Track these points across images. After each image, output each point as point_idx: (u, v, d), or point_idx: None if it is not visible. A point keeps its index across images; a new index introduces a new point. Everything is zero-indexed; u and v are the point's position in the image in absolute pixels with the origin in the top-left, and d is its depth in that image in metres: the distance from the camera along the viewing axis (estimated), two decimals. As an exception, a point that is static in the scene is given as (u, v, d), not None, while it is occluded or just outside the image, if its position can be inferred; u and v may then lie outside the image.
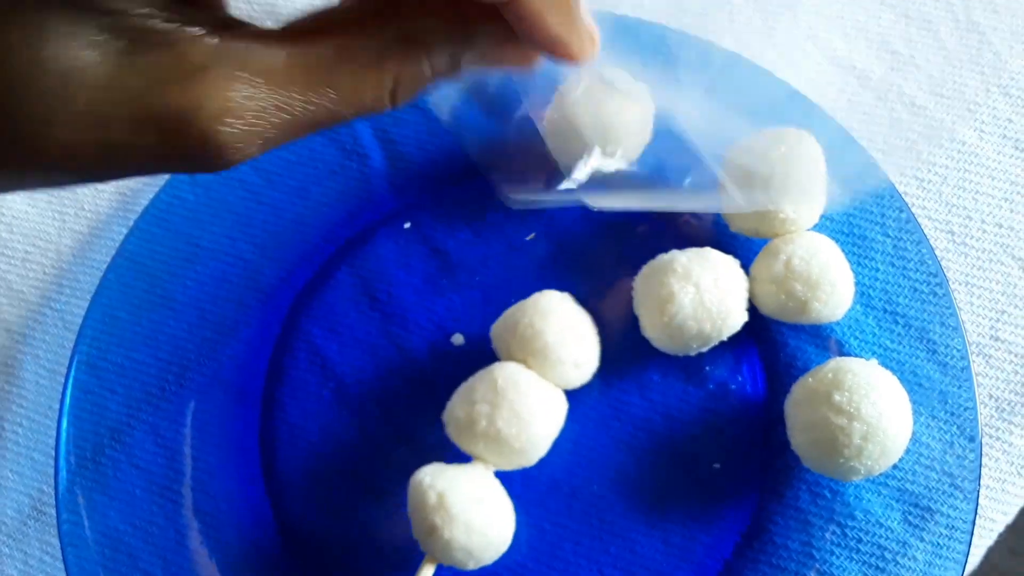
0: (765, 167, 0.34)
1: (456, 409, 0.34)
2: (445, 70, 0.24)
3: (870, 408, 0.32)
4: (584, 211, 0.38)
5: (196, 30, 0.21)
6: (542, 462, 0.36)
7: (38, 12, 0.19)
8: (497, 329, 0.36)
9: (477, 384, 0.34)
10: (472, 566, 0.33)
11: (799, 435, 0.33)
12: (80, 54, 0.20)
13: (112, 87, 0.20)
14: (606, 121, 0.35)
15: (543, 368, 0.34)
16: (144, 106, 0.20)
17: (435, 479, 0.32)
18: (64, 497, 0.37)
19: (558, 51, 0.25)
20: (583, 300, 0.36)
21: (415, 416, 0.38)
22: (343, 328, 0.39)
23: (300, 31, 0.22)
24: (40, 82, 0.20)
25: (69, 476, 0.37)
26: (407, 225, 0.40)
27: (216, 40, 0.21)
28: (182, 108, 0.20)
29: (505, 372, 0.34)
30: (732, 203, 0.34)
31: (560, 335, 0.34)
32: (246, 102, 0.21)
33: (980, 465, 0.34)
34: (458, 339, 0.38)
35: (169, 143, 0.21)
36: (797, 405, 0.34)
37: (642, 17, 0.41)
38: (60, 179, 0.22)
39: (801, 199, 0.34)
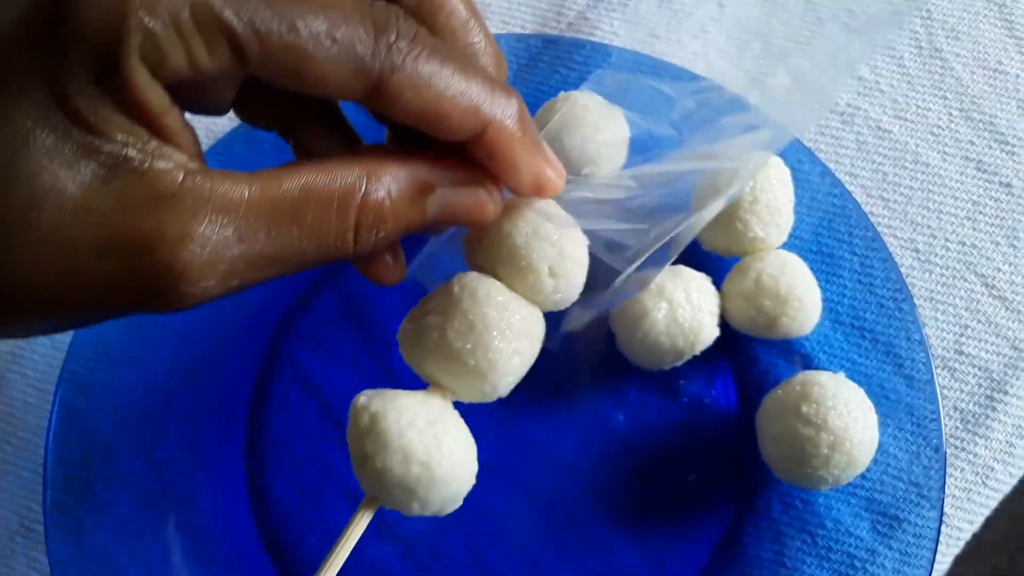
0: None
1: (406, 322, 0.30)
2: (406, 213, 0.24)
3: (836, 419, 0.33)
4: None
5: (169, 162, 0.21)
6: (521, 473, 0.37)
7: (30, 121, 0.20)
8: (467, 238, 0.31)
9: (434, 294, 0.30)
10: (417, 509, 0.28)
11: (769, 446, 0.35)
12: (57, 172, 0.20)
13: (79, 209, 0.20)
14: (583, 144, 0.37)
15: (512, 278, 0.30)
16: (108, 230, 0.20)
17: (372, 400, 0.28)
18: (51, 514, 0.38)
19: (525, 187, 0.26)
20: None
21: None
22: (327, 347, 0.40)
23: (267, 172, 0.23)
24: (9, 198, 0.20)
25: (56, 493, 0.38)
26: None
27: (185, 172, 0.21)
28: (145, 234, 0.21)
29: (464, 280, 0.29)
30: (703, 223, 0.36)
31: (528, 238, 0.29)
32: (208, 232, 0.21)
33: (944, 475, 0.35)
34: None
35: (130, 270, 0.21)
36: (767, 417, 0.35)
37: (617, 44, 0.42)
38: (15, 315, 0.22)
39: (769, 219, 0.36)
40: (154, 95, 0.21)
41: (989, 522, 0.38)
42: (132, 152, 0.21)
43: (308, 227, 0.23)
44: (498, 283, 0.29)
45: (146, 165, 0.21)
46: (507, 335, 0.28)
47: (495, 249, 0.29)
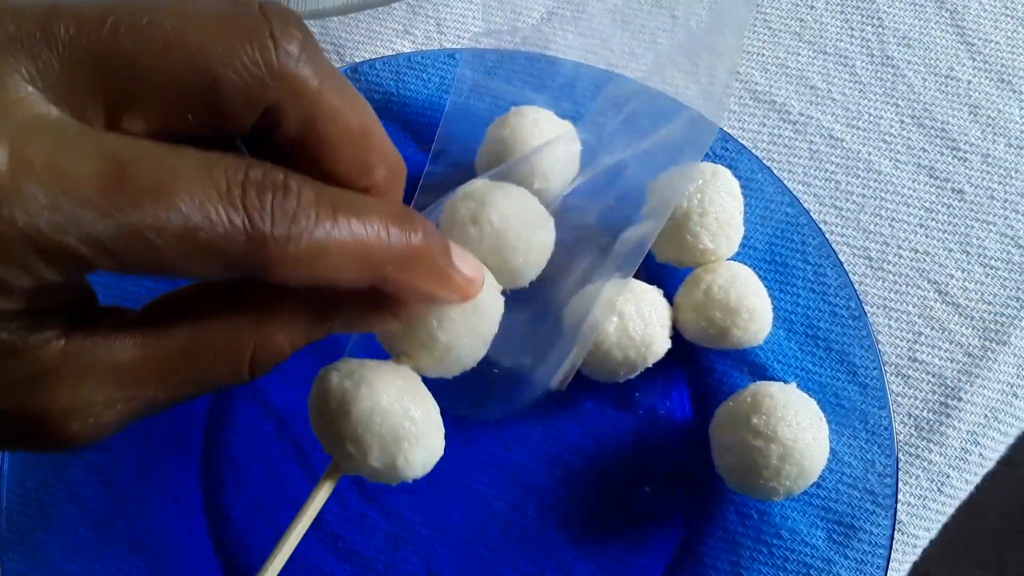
0: (683, 201, 0.35)
1: None
2: (306, 339, 0.24)
3: (786, 430, 0.33)
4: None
5: (45, 335, 0.20)
6: (478, 488, 0.37)
7: None
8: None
9: None
10: (382, 471, 0.28)
11: (722, 457, 0.35)
12: None
13: None
14: (534, 158, 0.37)
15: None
16: None
17: (341, 365, 0.28)
18: (6, 535, 0.37)
19: (440, 302, 0.26)
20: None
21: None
22: (283, 365, 0.40)
23: (154, 318, 0.22)
24: None
25: (12, 515, 0.38)
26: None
27: (64, 342, 0.20)
28: (30, 410, 0.20)
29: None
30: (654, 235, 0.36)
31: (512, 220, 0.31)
32: (95, 398, 0.21)
33: (897, 482, 0.35)
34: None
35: (19, 433, 0.21)
36: (720, 428, 0.35)
37: (571, 57, 0.42)
38: None
39: (719, 231, 0.36)
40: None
41: (978, 518, 0.38)
42: (4, 335, 0.20)
43: (198, 375, 0.22)
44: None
45: (19, 344, 0.20)
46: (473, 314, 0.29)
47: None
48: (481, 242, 0.31)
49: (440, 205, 0.33)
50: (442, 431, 0.29)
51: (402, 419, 0.27)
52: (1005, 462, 0.39)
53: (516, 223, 0.31)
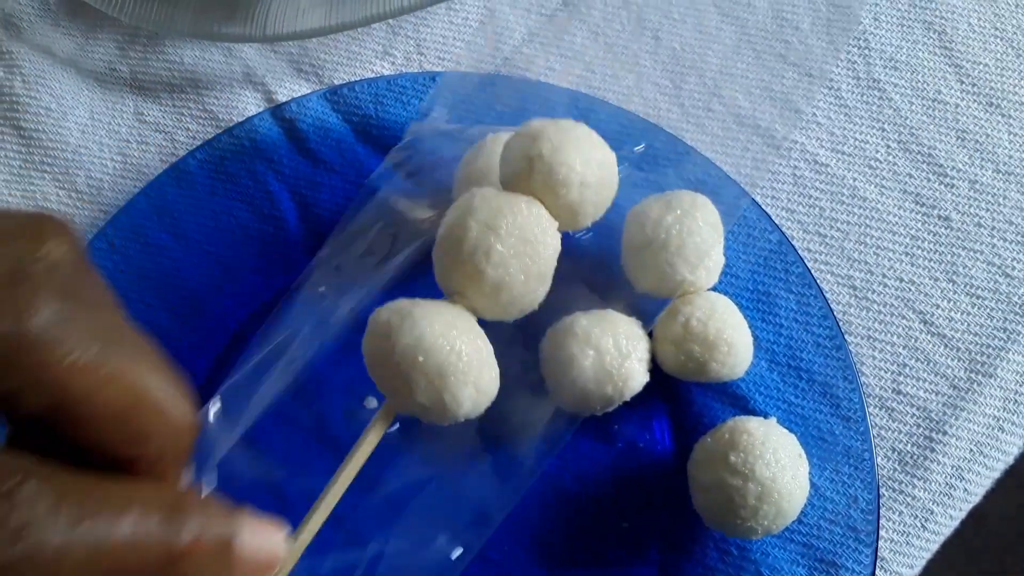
0: (661, 231, 0.35)
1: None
2: None
3: (764, 469, 0.32)
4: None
5: None
6: (452, 522, 0.36)
7: None
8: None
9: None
10: (431, 408, 0.27)
11: (699, 495, 0.34)
12: None
13: None
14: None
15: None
16: None
17: (399, 304, 0.28)
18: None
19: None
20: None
21: (327, 478, 0.38)
22: (259, 393, 0.39)
23: None
24: None
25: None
26: (321, 289, 0.40)
27: None
28: None
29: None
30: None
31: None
32: None
33: (878, 519, 0.35)
34: (371, 402, 0.39)
35: None
36: (697, 465, 0.34)
37: (552, 79, 0.41)
38: None
39: (697, 262, 0.35)
40: None
41: (980, 525, 0.37)
42: None
43: None
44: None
45: None
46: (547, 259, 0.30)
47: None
48: (532, 178, 0.31)
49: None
50: (496, 371, 0.29)
51: (448, 354, 0.27)
52: (1007, 471, 0.38)
53: (572, 157, 0.31)
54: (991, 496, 0.38)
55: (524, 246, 0.29)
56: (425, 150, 0.40)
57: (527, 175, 0.31)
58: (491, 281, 0.29)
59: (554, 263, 0.31)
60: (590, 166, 0.32)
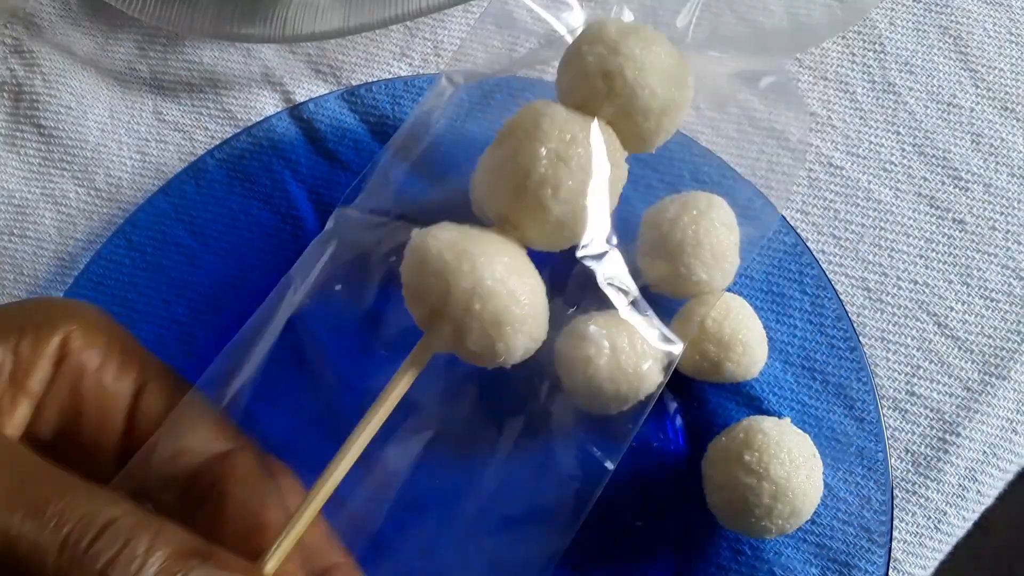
0: (677, 232, 0.35)
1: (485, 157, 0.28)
2: None
3: (779, 468, 0.32)
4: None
5: None
6: (468, 522, 0.36)
7: None
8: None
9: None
10: (479, 354, 0.26)
11: (714, 494, 0.34)
12: None
13: None
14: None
15: None
16: None
17: (436, 235, 0.26)
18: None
19: None
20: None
21: (346, 479, 0.38)
22: (274, 391, 0.40)
23: None
24: None
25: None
26: (338, 287, 0.41)
27: None
28: None
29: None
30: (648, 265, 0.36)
31: None
32: None
33: (891, 519, 0.35)
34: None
35: None
36: (712, 464, 0.34)
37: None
38: None
39: (713, 263, 0.35)
40: None
41: (987, 533, 0.38)
42: None
43: None
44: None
45: None
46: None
47: None
48: (610, 100, 0.27)
49: None
50: (547, 314, 0.27)
51: (508, 302, 0.25)
52: (1018, 475, 0.38)
53: (655, 81, 0.27)
54: (998, 503, 0.38)
55: (594, 179, 0.26)
56: (442, 151, 0.41)
57: (602, 96, 0.27)
58: (555, 218, 0.26)
59: (618, 196, 0.28)
60: (670, 89, 0.28)
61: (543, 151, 0.26)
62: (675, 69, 0.29)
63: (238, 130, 0.43)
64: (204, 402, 0.29)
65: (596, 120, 0.27)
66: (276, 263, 0.42)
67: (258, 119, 0.43)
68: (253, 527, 0.27)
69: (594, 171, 0.26)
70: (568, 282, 0.39)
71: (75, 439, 0.27)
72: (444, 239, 0.26)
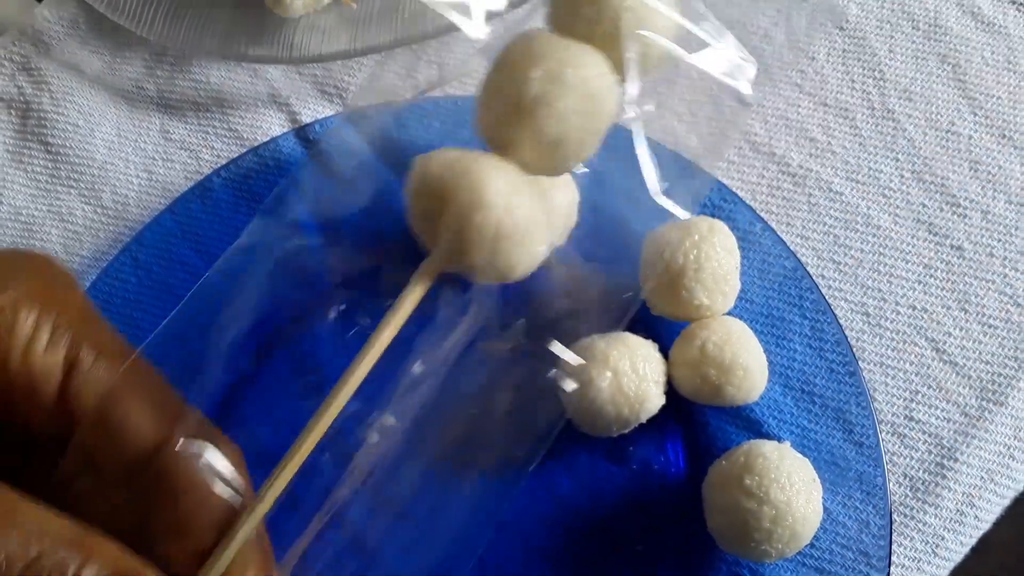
0: (679, 256, 0.35)
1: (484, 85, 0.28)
2: None
3: (779, 492, 0.33)
4: (515, 296, 0.39)
5: None
6: (468, 542, 0.36)
7: None
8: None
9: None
10: (485, 268, 0.26)
11: (714, 517, 0.34)
12: None
13: None
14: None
15: None
16: None
17: (436, 156, 0.26)
18: None
19: None
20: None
21: (335, 482, 0.38)
22: (277, 410, 0.40)
23: None
24: None
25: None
26: (342, 306, 0.41)
27: None
28: None
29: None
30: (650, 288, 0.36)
31: None
32: None
33: (890, 545, 0.35)
34: (389, 420, 0.39)
35: None
36: (712, 488, 0.35)
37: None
38: None
39: (714, 287, 0.36)
40: None
41: (983, 553, 0.38)
42: None
43: None
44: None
45: None
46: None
47: None
48: (600, 27, 0.27)
49: None
50: (546, 231, 0.27)
51: (505, 215, 0.26)
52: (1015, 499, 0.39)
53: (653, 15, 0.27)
54: (996, 526, 0.38)
55: (588, 102, 0.26)
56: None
57: (594, 23, 0.28)
58: (551, 137, 0.26)
59: (613, 119, 0.28)
60: (668, 22, 0.28)
61: (537, 73, 0.27)
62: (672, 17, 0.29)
63: (244, 150, 0.43)
64: (146, 376, 0.28)
65: (587, 47, 0.28)
66: (279, 281, 0.42)
67: (264, 139, 0.44)
68: (191, 528, 0.26)
69: (589, 93, 0.27)
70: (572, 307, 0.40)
71: (8, 414, 0.25)
72: (444, 158, 0.26)
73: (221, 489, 0.27)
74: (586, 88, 0.27)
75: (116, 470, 0.25)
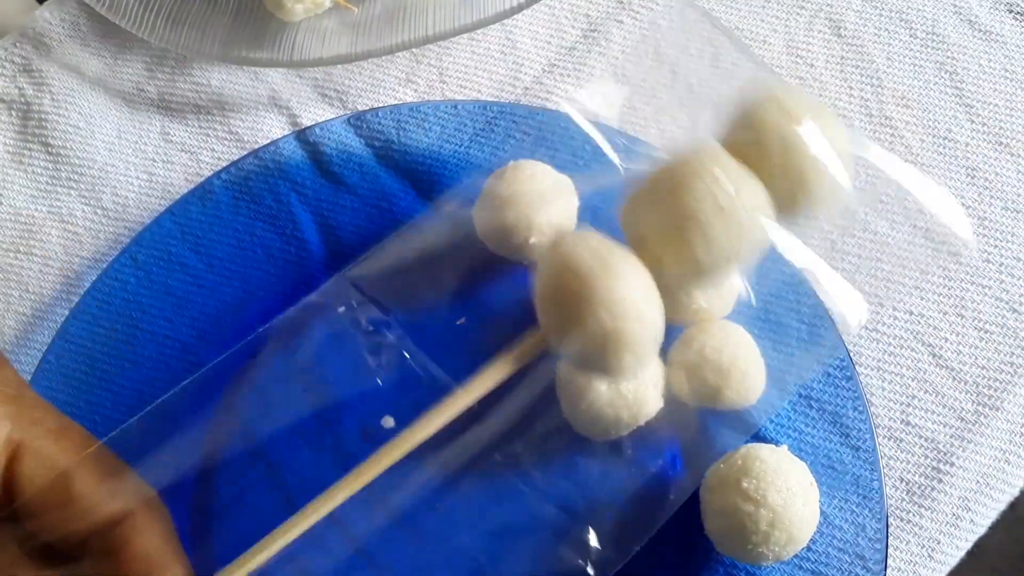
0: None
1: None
2: None
3: (776, 496, 0.33)
4: (515, 298, 0.39)
5: None
6: (464, 542, 0.36)
7: None
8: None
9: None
10: (590, 363, 0.27)
11: (711, 520, 0.35)
12: None
13: None
14: (530, 213, 0.37)
15: None
16: None
17: (588, 240, 0.27)
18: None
19: None
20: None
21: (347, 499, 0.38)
22: (276, 410, 0.40)
23: None
24: None
25: None
26: (341, 309, 0.41)
27: None
28: None
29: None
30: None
31: None
32: None
33: (886, 548, 0.35)
34: (388, 422, 0.39)
35: None
36: (710, 491, 0.35)
37: (570, 110, 0.42)
38: None
39: (713, 291, 0.36)
40: None
41: (978, 558, 0.38)
42: None
43: None
44: None
45: None
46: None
47: None
48: (780, 168, 0.28)
49: None
50: (659, 344, 0.28)
51: (635, 324, 0.26)
52: (1010, 504, 0.39)
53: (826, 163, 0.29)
54: (991, 530, 0.38)
55: (742, 233, 0.27)
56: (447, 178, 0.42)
57: (773, 160, 0.28)
58: (694, 261, 0.27)
59: (757, 253, 0.29)
60: (841, 173, 0.29)
61: (708, 199, 0.27)
62: (844, 157, 0.30)
63: (245, 152, 0.44)
64: (103, 459, 0.30)
65: (760, 182, 0.28)
66: (280, 284, 0.42)
67: (265, 142, 0.44)
68: None
69: (744, 224, 0.27)
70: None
71: None
72: (591, 246, 0.27)
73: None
74: (744, 221, 0.27)
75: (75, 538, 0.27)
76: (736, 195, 0.27)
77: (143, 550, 0.27)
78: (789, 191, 0.29)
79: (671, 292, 0.35)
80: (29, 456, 0.27)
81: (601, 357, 0.27)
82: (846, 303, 0.33)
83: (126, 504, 0.28)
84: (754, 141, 0.29)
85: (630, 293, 0.26)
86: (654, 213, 0.28)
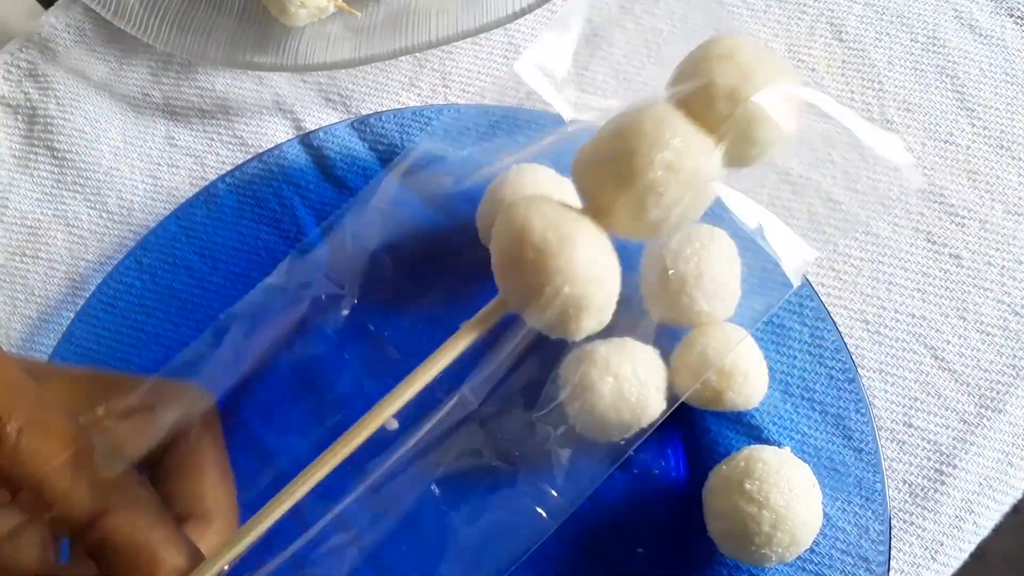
0: (680, 264, 0.36)
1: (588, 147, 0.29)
2: None
3: (779, 497, 0.33)
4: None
5: None
6: (468, 544, 0.36)
7: None
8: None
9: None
10: (552, 325, 0.27)
11: (714, 522, 0.35)
12: None
13: None
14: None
15: None
16: None
17: (551, 218, 0.27)
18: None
19: None
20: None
21: (353, 501, 0.39)
22: (280, 414, 0.40)
23: None
24: None
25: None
26: (345, 312, 0.41)
27: None
28: None
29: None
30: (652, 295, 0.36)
31: None
32: None
33: (889, 550, 0.35)
34: (392, 424, 0.39)
35: None
36: (712, 492, 0.35)
37: (573, 114, 0.42)
38: None
39: (714, 294, 0.36)
40: None
41: (983, 562, 0.38)
42: None
43: None
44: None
45: None
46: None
47: None
48: (726, 121, 0.28)
49: None
50: (616, 299, 0.28)
51: (593, 289, 0.27)
52: (1012, 507, 0.39)
53: (781, 116, 0.29)
54: (994, 534, 0.38)
55: (694, 191, 0.27)
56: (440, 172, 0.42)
57: (723, 117, 0.28)
58: (651, 220, 0.27)
59: (709, 203, 0.29)
60: (788, 121, 0.29)
61: (658, 158, 0.27)
62: (795, 103, 0.30)
63: (249, 156, 0.44)
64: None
65: (709, 138, 0.28)
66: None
67: (269, 146, 0.44)
68: None
69: (697, 184, 0.28)
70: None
71: None
72: (548, 218, 0.27)
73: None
74: (696, 180, 0.27)
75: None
76: (685, 152, 0.27)
77: (129, 540, 0.27)
78: (738, 142, 0.29)
79: (673, 295, 0.36)
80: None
81: (562, 323, 0.28)
82: (791, 250, 0.33)
83: (105, 500, 0.27)
84: (704, 99, 0.29)
85: (586, 259, 0.27)
86: (604, 171, 0.28)
